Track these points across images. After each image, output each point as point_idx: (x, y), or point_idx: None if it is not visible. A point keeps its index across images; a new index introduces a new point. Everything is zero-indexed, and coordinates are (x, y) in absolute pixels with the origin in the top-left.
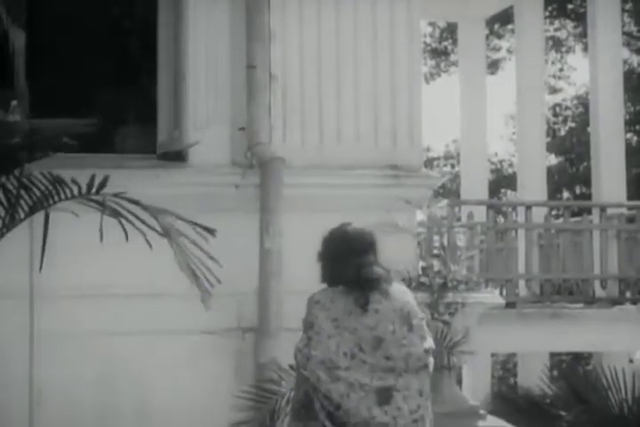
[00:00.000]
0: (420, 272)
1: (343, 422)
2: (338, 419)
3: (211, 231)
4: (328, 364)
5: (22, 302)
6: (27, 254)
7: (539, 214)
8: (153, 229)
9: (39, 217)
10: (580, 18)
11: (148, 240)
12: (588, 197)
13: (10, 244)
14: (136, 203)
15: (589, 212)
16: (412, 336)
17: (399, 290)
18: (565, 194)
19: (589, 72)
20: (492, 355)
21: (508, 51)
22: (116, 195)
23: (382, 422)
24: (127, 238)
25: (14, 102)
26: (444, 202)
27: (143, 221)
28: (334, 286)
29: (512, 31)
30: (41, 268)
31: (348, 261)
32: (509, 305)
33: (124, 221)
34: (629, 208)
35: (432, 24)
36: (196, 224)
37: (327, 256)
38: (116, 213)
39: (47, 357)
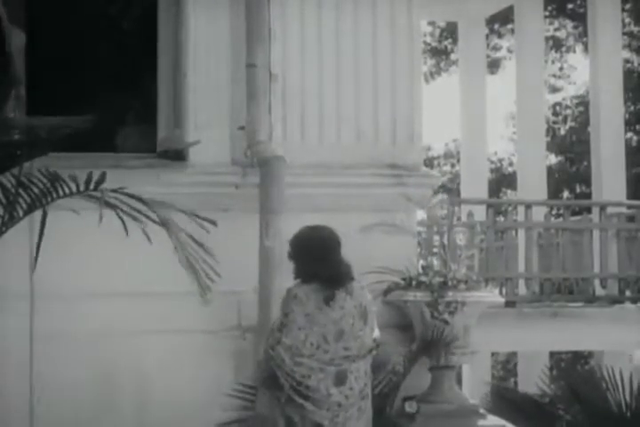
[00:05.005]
0: (420, 271)
1: (306, 395)
2: (301, 392)
3: (212, 223)
4: (294, 350)
5: (22, 302)
6: (26, 254)
7: (538, 213)
8: (153, 221)
9: (39, 216)
10: (580, 17)
11: (148, 234)
12: (587, 196)
13: (9, 243)
14: (134, 197)
15: (589, 211)
16: (366, 328)
17: (358, 287)
18: (565, 193)
19: (590, 72)
20: (492, 354)
21: (509, 50)
22: (114, 190)
23: (336, 400)
24: (127, 233)
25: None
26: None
27: (144, 214)
28: (308, 283)
29: (512, 31)
30: (34, 267)
31: (324, 260)
32: (509, 304)
33: (123, 216)
34: (629, 207)
35: (432, 23)
36: (196, 216)
37: (303, 255)
38: (114, 208)
39: (47, 356)
